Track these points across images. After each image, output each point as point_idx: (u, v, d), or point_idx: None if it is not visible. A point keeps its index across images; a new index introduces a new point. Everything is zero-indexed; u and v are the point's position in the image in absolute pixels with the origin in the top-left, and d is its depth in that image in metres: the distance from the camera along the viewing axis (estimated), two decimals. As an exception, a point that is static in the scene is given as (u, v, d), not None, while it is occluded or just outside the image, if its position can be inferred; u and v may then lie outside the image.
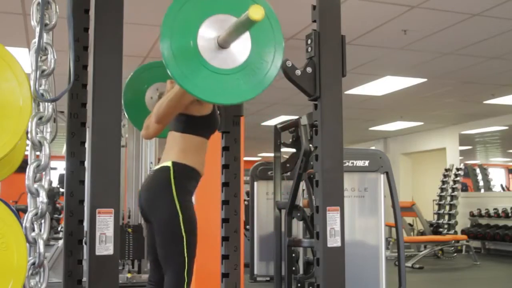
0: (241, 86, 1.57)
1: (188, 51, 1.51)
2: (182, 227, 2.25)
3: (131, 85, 2.68)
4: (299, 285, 3.11)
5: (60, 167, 9.98)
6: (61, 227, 8.80)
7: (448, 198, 9.71)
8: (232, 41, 1.56)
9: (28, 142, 1.62)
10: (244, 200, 6.94)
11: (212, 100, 1.65)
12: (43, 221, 1.58)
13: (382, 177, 4.24)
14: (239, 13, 1.54)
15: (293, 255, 3.20)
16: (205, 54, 1.53)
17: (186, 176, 2.37)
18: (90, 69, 1.68)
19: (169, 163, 2.37)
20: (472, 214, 9.66)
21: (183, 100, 2.29)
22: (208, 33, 1.55)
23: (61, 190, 9.89)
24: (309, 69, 1.86)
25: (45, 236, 1.57)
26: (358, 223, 4.31)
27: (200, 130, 2.45)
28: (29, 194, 1.57)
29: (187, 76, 1.49)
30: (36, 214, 1.56)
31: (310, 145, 3.01)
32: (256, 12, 1.37)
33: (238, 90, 1.57)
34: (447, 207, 9.65)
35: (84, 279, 1.66)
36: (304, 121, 3.23)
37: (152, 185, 2.35)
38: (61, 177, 10.65)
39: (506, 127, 10.16)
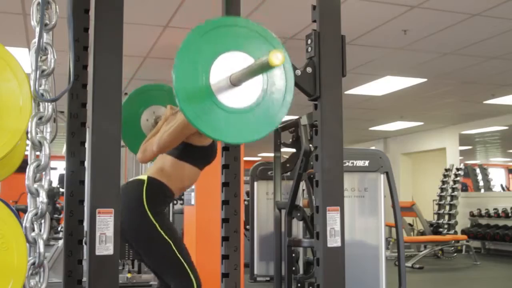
0: (253, 125, 1.55)
1: (201, 91, 1.49)
2: (163, 233, 2.23)
3: (127, 107, 2.65)
4: (299, 285, 3.11)
5: (60, 167, 9.99)
6: (61, 227, 8.80)
7: (448, 198, 9.71)
8: (245, 81, 1.54)
9: (28, 142, 1.62)
10: (244, 200, 6.93)
11: (225, 139, 1.64)
12: (43, 221, 1.58)
13: (382, 177, 4.24)
14: (249, 49, 1.55)
15: (293, 255, 3.20)
16: (218, 93, 1.51)
17: (159, 190, 2.32)
18: (90, 69, 1.68)
19: (144, 177, 2.33)
20: (472, 214, 9.66)
21: (186, 131, 2.25)
22: (220, 71, 1.52)
23: (61, 190, 9.89)
24: (309, 69, 1.86)
25: (45, 236, 1.57)
26: (358, 223, 4.31)
27: (196, 159, 2.40)
28: (29, 194, 1.57)
29: (200, 116, 1.48)
30: (36, 214, 1.56)
31: (310, 145, 3.01)
32: (277, 58, 1.36)
33: (250, 129, 1.55)
34: (447, 207, 9.65)
35: (84, 279, 1.65)
36: (304, 121, 3.23)
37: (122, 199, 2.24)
38: (61, 177, 10.65)
39: (506, 127, 10.16)
